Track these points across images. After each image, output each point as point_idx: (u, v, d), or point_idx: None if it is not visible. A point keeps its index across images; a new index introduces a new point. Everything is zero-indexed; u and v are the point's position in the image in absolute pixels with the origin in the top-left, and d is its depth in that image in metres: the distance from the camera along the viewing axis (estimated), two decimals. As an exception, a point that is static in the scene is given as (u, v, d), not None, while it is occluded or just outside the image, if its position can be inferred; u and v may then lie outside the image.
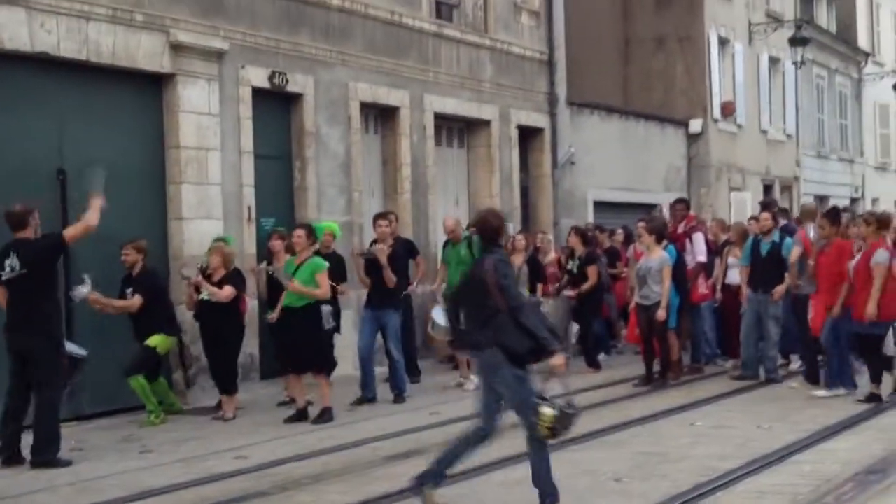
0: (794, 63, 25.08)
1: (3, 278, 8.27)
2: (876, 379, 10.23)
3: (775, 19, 25.64)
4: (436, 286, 12.61)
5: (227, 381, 10.34)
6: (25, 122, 10.18)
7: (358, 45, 14.02)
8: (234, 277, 10.33)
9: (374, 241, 12.39)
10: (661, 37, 23.03)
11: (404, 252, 12.39)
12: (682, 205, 13.58)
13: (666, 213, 16.58)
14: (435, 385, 12.27)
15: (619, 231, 15.37)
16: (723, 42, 23.56)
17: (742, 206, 22.86)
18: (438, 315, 11.85)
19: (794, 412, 9.79)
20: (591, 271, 13.15)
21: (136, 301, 9.97)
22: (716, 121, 23.10)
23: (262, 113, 12.54)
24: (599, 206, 19.38)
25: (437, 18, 15.77)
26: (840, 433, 8.80)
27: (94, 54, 10.58)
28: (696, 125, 22.57)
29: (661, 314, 11.40)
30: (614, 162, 20.04)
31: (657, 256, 11.54)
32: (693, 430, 9.13)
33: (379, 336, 11.43)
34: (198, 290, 10.22)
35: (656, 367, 11.76)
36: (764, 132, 25.65)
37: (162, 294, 10.47)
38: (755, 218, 12.69)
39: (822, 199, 28.02)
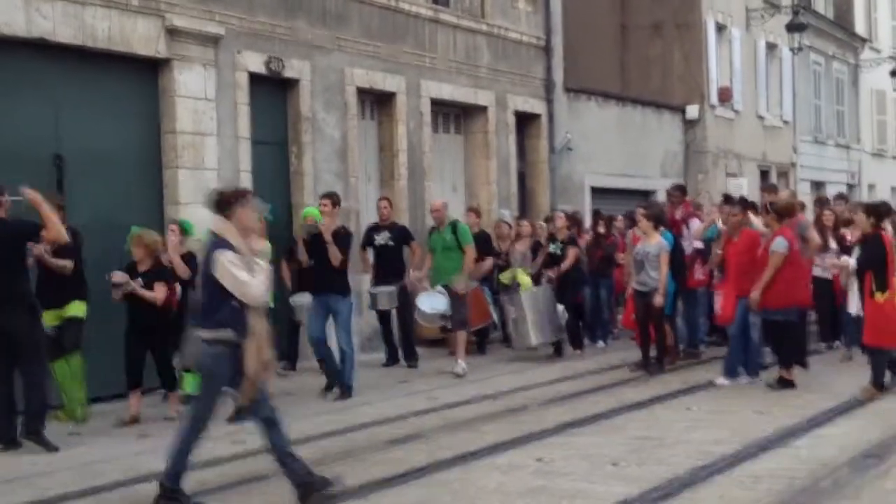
0: (792, 49, 25.06)
1: None
2: (786, 364, 10.36)
3: (772, 5, 25.59)
4: (422, 273, 12.43)
5: (167, 376, 9.71)
6: (22, 108, 10.16)
7: (354, 31, 13.99)
8: (163, 271, 9.53)
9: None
10: (658, 23, 22.99)
11: (401, 238, 12.46)
12: (678, 191, 13.59)
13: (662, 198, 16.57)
14: (432, 369, 12.27)
15: (620, 218, 15.25)
16: (720, 28, 23.52)
17: (739, 192, 22.84)
18: (423, 302, 11.96)
19: (791, 397, 9.82)
20: (571, 252, 13.20)
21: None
22: (713, 107, 23.07)
23: (258, 98, 12.52)
24: (597, 192, 19.37)
25: (434, 3, 15.73)
26: (836, 418, 8.82)
27: (89, 39, 10.55)
28: (693, 111, 22.55)
29: (658, 300, 11.41)
30: (611, 148, 20.03)
31: (655, 242, 11.54)
32: (689, 414, 9.15)
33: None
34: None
35: (652, 353, 11.77)
36: (761, 118, 25.63)
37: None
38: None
39: (818, 185, 28.03)
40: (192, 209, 11.48)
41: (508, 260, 13.69)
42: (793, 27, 24.31)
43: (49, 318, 9.01)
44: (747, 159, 24.76)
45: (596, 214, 15.67)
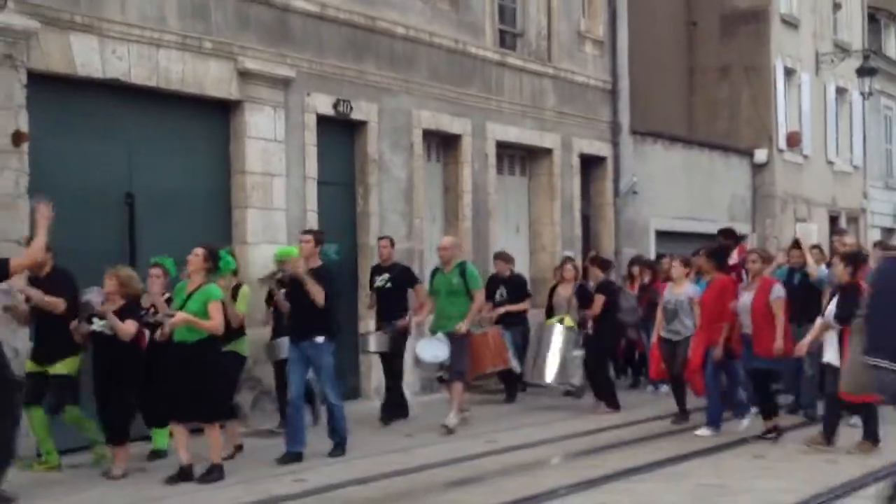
0: (862, 93, 24.76)
1: None
2: (773, 413, 10.25)
3: (842, 49, 25.35)
4: (421, 318, 11.46)
5: (117, 427, 8.62)
6: (96, 147, 10.40)
7: (422, 73, 14.13)
8: (136, 309, 8.79)
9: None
10: (726, 66, 22.89)
11: (403, 280, 11.68)
12: (727, 235, 13.28)
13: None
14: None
15: (667, 259, 13.65)
16: (789, 72, 23.34)
17: (810, 237, 22.51)
18: (424, 350, 10.94)
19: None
20: (598, 299, 12.28)
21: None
22: (781, 151, 22.85)
23: (326, 139, 12.69)
24: (662, 235, 19.24)
25: (501, 47, 15.84)
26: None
27: (163, 81, 10.80)
28: (761, 155, 22.35)
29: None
30: (678, 191, 19.90)
31: (683, 289, 11.04)
32: (757, 462, 8.98)
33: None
34: (90, 319, 8.62)
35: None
36: (830, 163, 25.30)
37: None
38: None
39: (890, 231, 27.53)
40: (261, 248, 11.68)
41: (552, 305, 12.98)
42: (863, 71, 24.04)
43: (35, 367, 8.72)
44: (816, 204, 24.44)
45: (635, 261, 15.13)
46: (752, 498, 7.47)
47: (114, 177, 10.54)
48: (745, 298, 10.23)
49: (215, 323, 8.31)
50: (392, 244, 11.95)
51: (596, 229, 17.92)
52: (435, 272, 11.34)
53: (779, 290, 10.20)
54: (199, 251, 8.52)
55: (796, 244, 12.40)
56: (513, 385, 13.35)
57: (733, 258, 12.82)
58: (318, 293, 9.07)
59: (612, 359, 13.66)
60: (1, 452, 7.52)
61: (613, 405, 12.23)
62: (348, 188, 13.31)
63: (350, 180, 13.32)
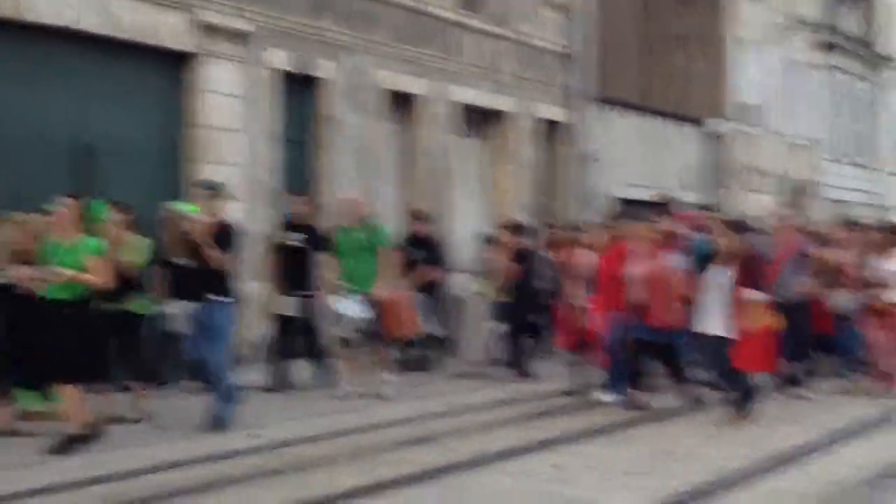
0: (818, 67, 24.97)
1: None
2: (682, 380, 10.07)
3: (800, 22, 25.52)
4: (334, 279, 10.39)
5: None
6: (47, 95, 10.21)
7: (381, 33, 14.01)
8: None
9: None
10: (682, 35, 22.96)
11: (317, 243, 10.64)
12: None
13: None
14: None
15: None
16: (744, 43, 23.46)
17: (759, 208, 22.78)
18: (345, 308, 10.08)
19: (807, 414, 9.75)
20: (510, 266, 11.82)
21: None
22: (736, 122, 23.01)
23: (284, 96, 12.56)
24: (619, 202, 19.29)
25: (462, 9, 15.73)
26: (851, 438, 8.76)
27: (116, 29, 10.60)
28: (714, 125, 22.50)
29: None
30: (633, 158, 19.98)
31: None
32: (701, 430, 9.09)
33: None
34: None
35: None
36: (783, 135, 25.55)
37: None
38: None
39: (840, 203, 27.90)
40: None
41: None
42: (819, 45, 24.23)
43: None
44: (769, 176, 24.67)
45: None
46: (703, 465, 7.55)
47: (66, 127, 10.37)
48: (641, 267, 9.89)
49: (102, 278, 7.73)
50: (314, 204, 11.05)
51: (554, 195, 17.95)
52: (340, 232, 10.42)
53: (676, 260, 9.83)
54: (69, 201, 7.80)
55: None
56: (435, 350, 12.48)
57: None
58: (214, 258, 8.37)
59: (533, 327, 12.30)
60: None
61: (523, 374, 11.77)
62: (305, 146, 13.19)
63: (307, 138, 13.21)
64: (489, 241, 12.69)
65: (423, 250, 11.96)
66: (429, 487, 6.79)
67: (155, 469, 7.12)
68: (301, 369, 10.92)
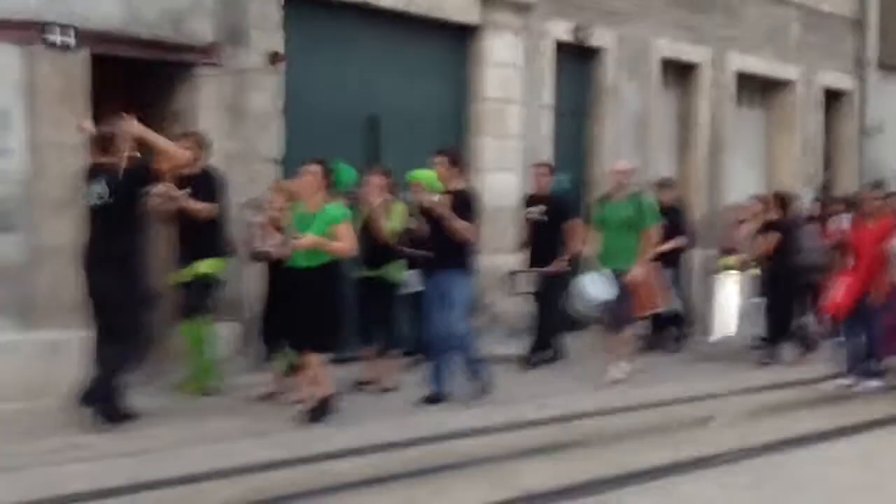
0: None
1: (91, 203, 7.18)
2: None
3: None
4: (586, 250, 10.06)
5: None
6: (342, 69, 10.54)
7: (660, 0, 13.66)
8: None
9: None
10: None
11: (558, 213, 10.32)
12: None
13: None
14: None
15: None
16: None
17: None
18: (589, 287, 9.51)
19: None
20: (770, 237, 11.00)
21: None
22: None
23: (562, 67, 12.46)
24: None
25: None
26: None
27: (410, 4, 10.80)
28: None
29: None
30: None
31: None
32: None
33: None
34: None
35: None
36: None
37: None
38: None
39: None
40: (494, 176, 11.64)
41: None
42: None
43: (181, 276, 8.24)
44: None
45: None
46: None
47: (356, 100, 10.67)
48: None
49: (346, 245, 7.60)
50: (551, 172, 10.65)
51: (836, 168, 17.01)
52: (602, 201, 10.02)
53: None
54: (314, 167, 7.68)
55: None
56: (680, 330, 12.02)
57: None
58: (464, 229, 8.12)
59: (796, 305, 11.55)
60: (100, 369, 7.08)
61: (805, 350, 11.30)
62: (581, 117, 13.06)
63: (584, 109, 13.07)
64: (736, 211, 12.17)
65: (666, 218, 10.76)
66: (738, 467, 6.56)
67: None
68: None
